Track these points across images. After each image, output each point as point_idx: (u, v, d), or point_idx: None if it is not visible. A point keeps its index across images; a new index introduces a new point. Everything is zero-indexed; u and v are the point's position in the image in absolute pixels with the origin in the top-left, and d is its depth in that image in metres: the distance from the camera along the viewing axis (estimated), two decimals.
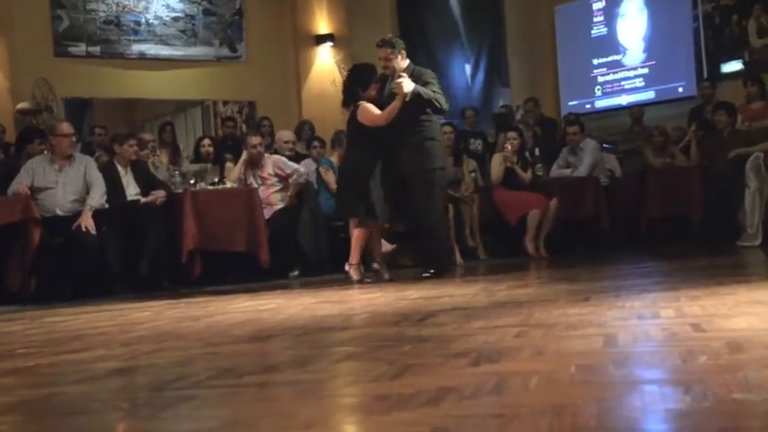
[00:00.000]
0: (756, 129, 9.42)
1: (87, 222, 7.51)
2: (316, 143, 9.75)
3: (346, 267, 7.25)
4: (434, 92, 6.99)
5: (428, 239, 7.38)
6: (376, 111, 6.89)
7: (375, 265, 7.53)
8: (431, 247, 7.37)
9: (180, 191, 8.22)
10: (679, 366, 2.49)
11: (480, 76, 13.27)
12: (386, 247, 8.72)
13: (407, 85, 6.76)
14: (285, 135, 9.70)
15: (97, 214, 7.64)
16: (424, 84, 6.98)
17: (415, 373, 2.64)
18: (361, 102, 6.95)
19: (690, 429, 1.80)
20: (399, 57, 7.07)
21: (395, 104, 6.79)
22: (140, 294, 7.42)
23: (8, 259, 7.27)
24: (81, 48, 10.47)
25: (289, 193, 8.68)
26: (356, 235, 7.22)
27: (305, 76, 11.66)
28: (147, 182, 8.33)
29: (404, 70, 7.02)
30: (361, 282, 7.03)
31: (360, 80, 7.10)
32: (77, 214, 7.55)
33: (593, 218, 9.77)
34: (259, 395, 2.53)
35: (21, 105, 9.76)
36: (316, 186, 9.10)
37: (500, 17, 13.46)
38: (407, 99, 6.73)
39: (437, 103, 6.94)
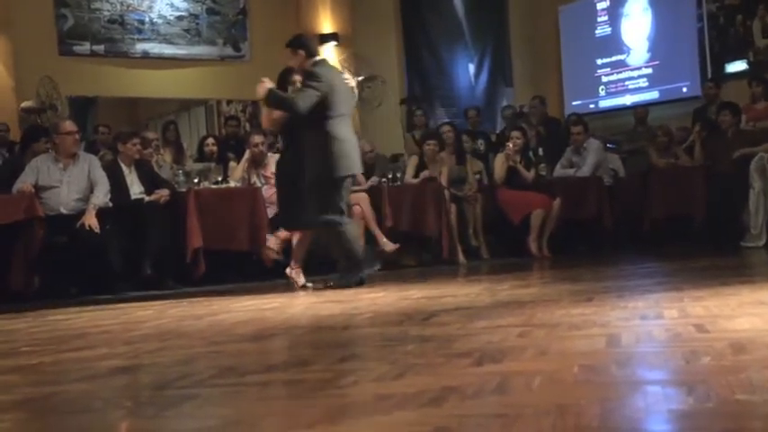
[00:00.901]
0: (761, 129, 9.40)
1: (91, 221, 7.52)
2: None
3: (288, 272, 7.00)
4: (301, 90, 6.51)
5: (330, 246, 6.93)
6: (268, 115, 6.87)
7: (289, 270, 7.03)
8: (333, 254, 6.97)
9: (183, 190, 8.23)
10: (682, 367, 2.48)
11: (484, 76, 13.27)
12: (389, 246, 8.75)
13: (260, 88, 6.47)
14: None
15: (101, 213, 7.65)
16: (305, 85, 6.55)
17: (418, 372, 2.63)
18: None
19: (693, 430, 1.79)
20: (298, 56, 6.68)
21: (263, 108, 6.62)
22: (144, 293, 7.43)
23: (12, 257, 7.27)
24: (85, 47, 10.49)
25: None
26: (300, 238, 7.06)
27: None
28: (150, 181, 8.35)
29: (304, 70, 6.63)
30: (305, 287, 6.81)
31: (277, 83, 6.75)
32: (81, 213, 7.56)
33: (596, 218, 9.77)
34: (261, 394, 2.53)
35: (25, 104, 9.77)
36: None
37: (504, 17, 13.46)
38: (261, 102, 6.70)
39: (287, 104, 6.52)
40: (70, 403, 2.67)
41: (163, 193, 8.13)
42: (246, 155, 8.79)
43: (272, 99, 6.49)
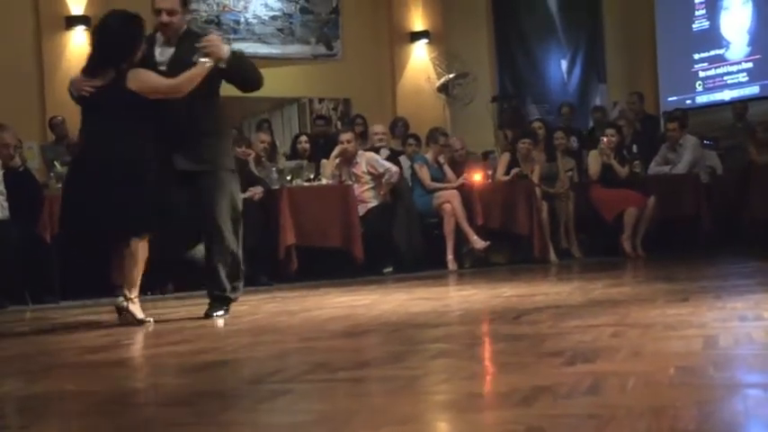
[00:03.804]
0: None
1: None
2: (410, 140, 9.76)
3: (123, 302, 4.95)
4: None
5: (216, 259, 5.17)
6: (158, 77, 5.01)
7: (122, 301, 4.95)
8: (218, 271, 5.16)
9: (277, 187, 8.31)
10: None
11: (577, 72, 13.14)
12: (479, 244, 8.73)
13: (221, 43, 5.05)
14: (377, 128, 9.73)
15: None
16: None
17: (509, 371, 2.62)
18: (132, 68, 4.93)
19: None
20: (185, 15, 5.27)
21: (201, 68, 4.89)
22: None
23: (113, 253, 7.42)
24: None
25: (381, 192, 8.71)
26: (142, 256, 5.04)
27: (400, 73, 11.68)
28: (245, 178, 8.44)
29: (182, 32, 5.20)
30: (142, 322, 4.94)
31: (127, 35, 4.98)
32: None
33: (693, 217, 9.60)
34: (353, 390, 2.54)
35: None
36: (410, 183, 9.12)
37: (598, 12, 13.31)
38: (222, 65, 4.94)
39: (255, 76, 5.31)
40: (168, 396, 2.72)
41: (256, 191, 8.22)
42: (335, 151, 8.83)
43: (244, 65, 5.27)
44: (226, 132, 5.76)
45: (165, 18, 5.04)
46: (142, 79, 4.88)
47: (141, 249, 4.97)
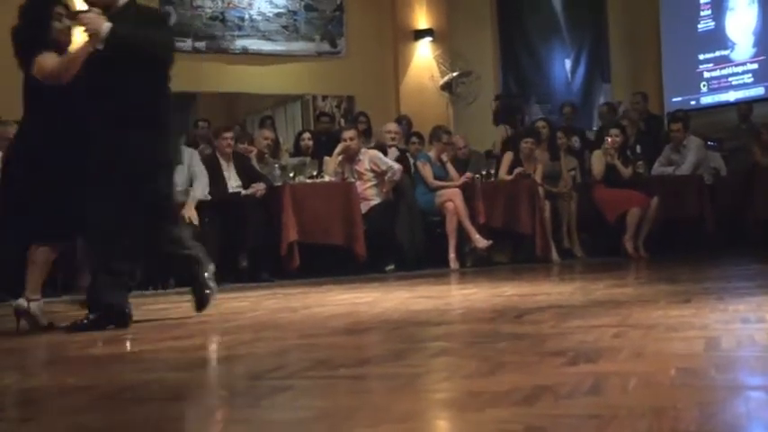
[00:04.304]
0: None
1: (191, 213, 7.70)
2: (414, 138, 9.78)
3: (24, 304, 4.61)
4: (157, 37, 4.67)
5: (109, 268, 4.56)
6: (53, 60, 4.57)
7: (24, 302, 4.61)
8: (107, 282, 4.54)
9: (279, 184, 8.32)
10: None
11: (581, 72, 13.13)
12: (482, 243, 8.73)
13: (98, 20, 4.44)
14: (390, 126, 9.72)
15: (200, 205, 7.81)
16: (146, 28, 4.65)
17: (510, 370, 2.62)
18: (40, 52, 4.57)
19: None
20: None
21: (79, 49, 4.52)
22: (240, 285, 7.54)
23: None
24: (188, 43, 10.67)
25: (384, 189, 8.72)
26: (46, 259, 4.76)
27: (403, 71, 11.68)
28: (247, 175, 8.46)
29: (115, 6, 4.63)
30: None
31: (34, 14, 4.65)
32: (181, 205, 7.72)
33: (696, 218, 9.58)
34: (354, 387, 2.54)
35: None
36: (413, 181, 9.12)
37: (603, 11, 13.31)
38: (100, 45, 4.41)
39: (152, 49, 4.60)
40: (168, 391, 2.72)
41: (259, 187, 8.24)
42: (338, 149, 8.84)
43: (131, 41, 4.52)
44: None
45: None
46: (37, 65, 4.56)
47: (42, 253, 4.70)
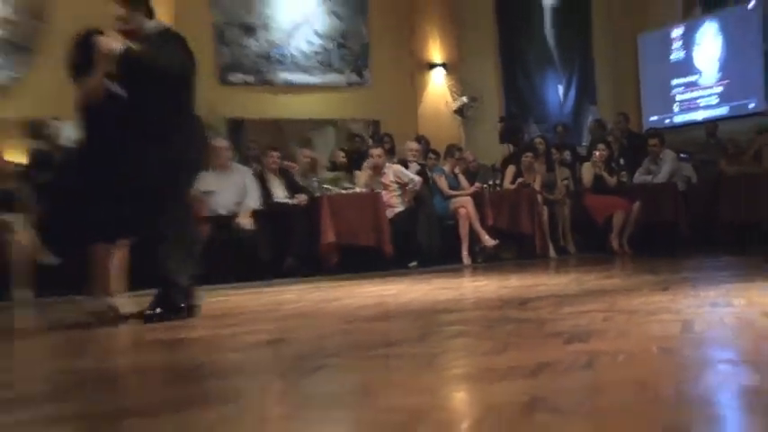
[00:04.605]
0: None
1: (245, 221, 7.77)
2: (431, 155, 9.81)
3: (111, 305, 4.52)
4: (165, 58, 4.27)
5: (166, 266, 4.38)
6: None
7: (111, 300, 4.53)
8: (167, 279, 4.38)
9: (318, 195, 8.36)
10: (750, 349, 2.42)
11: (571, 96, 13.08)
12: (490, 242, 8.73)
13: (110, 42, 4.20)
14: (412, 144, 9.73)
15: (252, 214, 7.87)
16: (165, 49, 4.30)
17: (516, 349, 2.62)
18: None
19: (760, 405, 1.74)
20: (138, 16, 4.42)
21: (95, 71, 4.23)
22: (286, 280, 7.56)
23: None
24: (239, 77, 10.72)
25: (406, 198, 8.73)
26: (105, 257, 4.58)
27: (420, 98, 11.68)
28: (291, 187, 8.52)
29: (147, 33, 4.40)
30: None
31: (78, 43, 4.42)
32: (236, 214, 7.82)
33: (672, 220, 9.54)
34: (383, 366, 2.54)
35: None
36: (431, 191, 9.13)
37: (588, 45, 13.25)
38: (113, 66, 4.20)
39: (154, 68, 4.23)
40: (231, 368, 2.74)
41: (301, 198, 8.30)
42: (367, 164, 8.88)
43: (142, 58, 4.25)
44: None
45: (118, 26, 4.41)
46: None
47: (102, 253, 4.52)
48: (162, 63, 4.24)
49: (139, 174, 4.24)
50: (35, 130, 8.71)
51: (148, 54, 4.24)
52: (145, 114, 4.28)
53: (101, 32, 4.31)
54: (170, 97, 4.32)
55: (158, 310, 4.31)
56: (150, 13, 4.50)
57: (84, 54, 4.30)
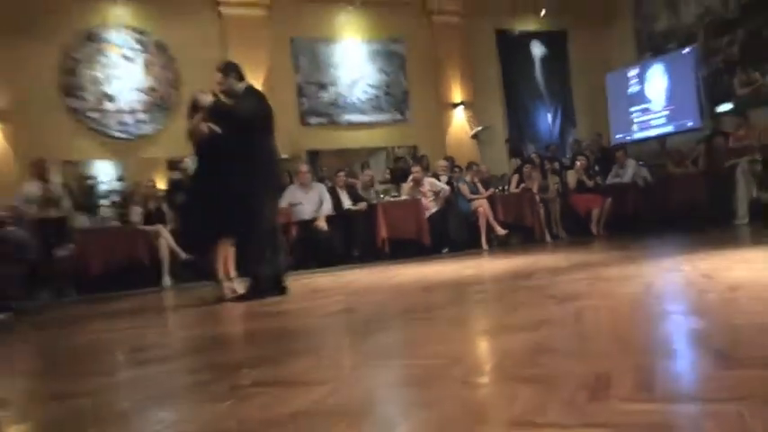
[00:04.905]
0: (741, 146, 8.92)
1: (321, 223, 7.81)
2: (456, 169, 9.78)
3: (229, 287, 4.59)
4: (240, 109, 4.33)
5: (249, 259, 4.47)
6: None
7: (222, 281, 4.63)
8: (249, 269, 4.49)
9: (375, 202, 8.40)
10: (696, 302, 2.38)
11: (558, 122, 12.91)
12: (501, 231, 8.67)
13: (204, 97, 4.41)
14: (442, 162, 9.70)
15: (327, 218, 7.92)
16: (245, 103, 4.37)
17: (524, 309, 2.61)
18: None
19: (703, 342, 1.72)
20: (230, 79, 4.46)
21: (195, 118, 4.42)
22: (353, 265, 7.60)
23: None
24: (314, 120, 10.79)
25: (439, 202, 8.72)
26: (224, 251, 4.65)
27: (447, 128, 11.63)
28: (355, 197, 8.55)
29: (236, 91, 4.46)
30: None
31: (191, 105, 4.54)
32: (316, 219, 7.87)
33: (634, 210, 9.44)
34: (426, 324, 2.55)
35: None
36: (457, 196, 9.10)
37: (569, 83, 13.06)
38: (205, 114, 4.35)
39: (231, 115, 4.30)
40: (310, 332, 2.77)
41: (362, 205, 8.33)
42: (410, 179, 8.88)
43: (224, 108, 4.35)
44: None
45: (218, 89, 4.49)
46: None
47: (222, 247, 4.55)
48: (241, 112, 4.30)
49: (233, 191, 4.26)
50: (172, 165, 8.90)
51: (233, 106, 4.34)
52: (233, 148, 4.30)
53: (205, 93, 4.47)
54: (249, 136, 4.33)
55: (247, 292, 4.36)
56: (240, 77, 4.54)
57: (193, 106, 4.46)
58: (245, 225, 4.32)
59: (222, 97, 4.42)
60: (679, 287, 2.90)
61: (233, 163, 4.26)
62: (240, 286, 4.60)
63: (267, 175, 4.42)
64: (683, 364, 1.54)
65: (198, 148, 4.50)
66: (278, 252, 4.52)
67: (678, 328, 1.96)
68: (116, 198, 8.88)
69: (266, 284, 4.40)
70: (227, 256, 4.62)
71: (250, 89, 4.55)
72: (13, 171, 8.58)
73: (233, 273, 4.68)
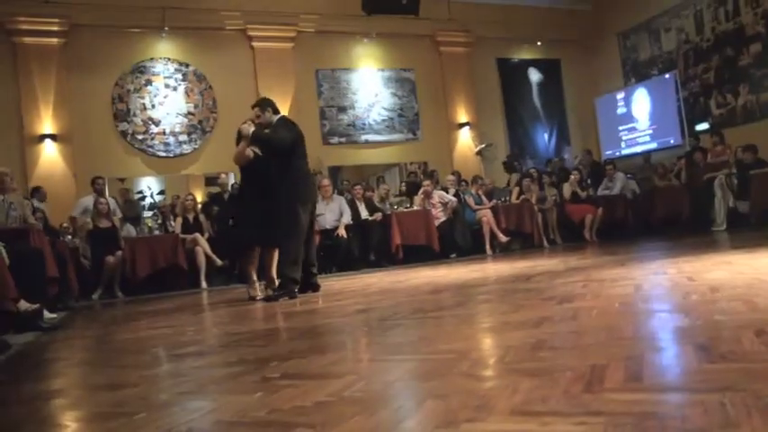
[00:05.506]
0: (719, 162, 8.89)
1: (342, 232, 7.81)
2: (462, 183, 9.76)
3: (258, 291, 4.78)
4: (276, 137, 4.54)
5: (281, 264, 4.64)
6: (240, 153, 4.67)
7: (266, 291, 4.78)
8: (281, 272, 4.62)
9: (389, 212, 8.39)
10: (680, 301, 2.35)
11: (554, 141, 12.87)
12: (503, 238, 8.63)
13: (246, 128, 4.61)
14: (450, 177, 9.71)
15: (347, 227, 7.92)
16: (278, 132, 4.57)
17: (525, 309, 2.60)
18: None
19: (687, 338, 1.69)
20: (266, 113, 4.67)
21: (240, 146, 4.67)
22: (370, 269, 7.59)
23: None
24: (335, 140, 10.83)
25: (447, 213, 8.70)
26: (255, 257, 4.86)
27: (454, 146, 11.63)
28: (372, 208, 8.55)
29: (270, 122, 4.65)
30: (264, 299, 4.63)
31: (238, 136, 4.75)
32: (337, 228, 7.86)
33: (623, 219, 9.38)
34: (436, 323, 2.54)
35: None
36: (463, 207, 9.08)
37: (563, 105, 13.03)
38: (247, 141, 4.60)
39: (268, 142, 4.52)
40: (332, 330, 2.76)
41: (378, 216, 8.33)
42: (421, 191, 8.88)
43: (260, 138, 4.56)
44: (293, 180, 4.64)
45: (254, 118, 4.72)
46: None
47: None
48: (275, 140, 4.53)
49: (273, 206, 4.55)
50: (210, 180, 8.96)
51: (268, 135, 4.57)
52: (272, 169, 4.58)
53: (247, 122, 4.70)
54: (285, 159, 4.57)
55: (276, 294, 4.50)
56: (275, 110, 4.76)
57: (239, 135, 4.71)
58: (283, 234, 4.52)
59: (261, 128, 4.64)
60: (665, 288, 2.87)
61: (272, 182, 4.55)
62: (269, 288, 4.68)
63: (301, 191, 4.61)
64: (670, 357, 1.52)
65: (242, 170, 4.79)
66: (311, 256, 4.73)
67: (665, 325, 1.93)
68: (159, 210, 8.96)
69: (296, 286, 4.54)
70: (268, 261, 4.75)
71: (283, 119, 4.78)
72: (72, 187, 8.71)
73: (268, 275, 4.79)
